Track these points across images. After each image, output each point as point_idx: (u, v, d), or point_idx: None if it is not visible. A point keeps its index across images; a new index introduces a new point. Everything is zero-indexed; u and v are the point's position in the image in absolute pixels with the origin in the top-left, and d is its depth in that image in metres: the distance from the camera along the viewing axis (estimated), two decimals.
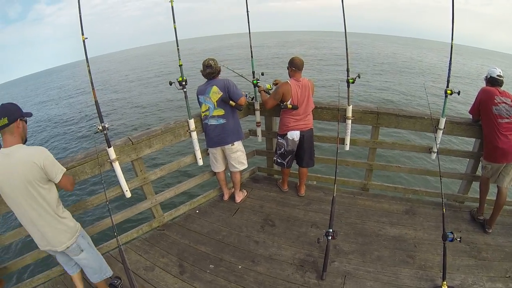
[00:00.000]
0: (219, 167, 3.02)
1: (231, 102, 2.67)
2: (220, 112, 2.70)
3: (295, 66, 2.73)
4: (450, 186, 4.03)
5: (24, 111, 1.70)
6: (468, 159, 2.96)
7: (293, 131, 2.79)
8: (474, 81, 17.28)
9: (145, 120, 11.52)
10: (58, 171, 1.67)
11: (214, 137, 2.79)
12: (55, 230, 1.75)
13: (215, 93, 2.66)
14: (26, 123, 1.73)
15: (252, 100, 3.04)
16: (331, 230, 2.24)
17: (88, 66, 2.19)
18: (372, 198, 3.08)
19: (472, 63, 31.51)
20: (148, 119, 11.71)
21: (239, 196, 3.17)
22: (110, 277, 2.21)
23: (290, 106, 2.71)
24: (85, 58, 2.16)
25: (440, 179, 2.31)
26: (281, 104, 2.77)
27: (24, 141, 1.70)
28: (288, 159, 2.94)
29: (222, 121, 2.73)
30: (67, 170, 1.81)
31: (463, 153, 2.92)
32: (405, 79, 16.97)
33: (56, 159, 1.73)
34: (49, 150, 1.71)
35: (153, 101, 14.37)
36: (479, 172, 2.80)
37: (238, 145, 2.87)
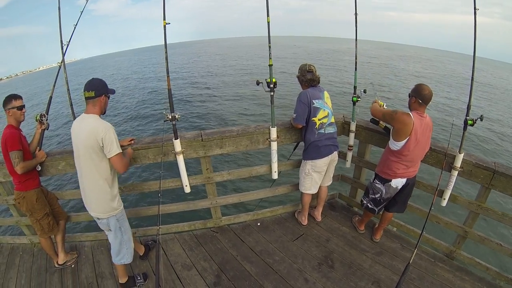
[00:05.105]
0: (318, 186, 2.70)
1: None
2: (334, 118, 2.53)
3: (422, 98, 2.04)
4: None
5: (109, 87, 1.88)
6: None
7: (399, 179, 2.27)
8: None
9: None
10: (113, 149, 1.80)
11: (330, 145, 2.50)
12: (96, 198, 1.91)
13: (329, 98, 2.49)
14: (109, 98, 1.91)
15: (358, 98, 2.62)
16: None
17: (166, 52, 2.04)
18: (455, 271, 2.48)
19: None
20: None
21: (320, 213, 2.98)
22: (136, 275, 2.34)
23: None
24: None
25: None
26: (379, 124, 2.41)
27: (103, 112, 1.90)
28: (382, 206, 2.47)
29: (335, 127, 2.54)
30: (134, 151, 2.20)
31: None
32: None
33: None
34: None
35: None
36: None
37: None
